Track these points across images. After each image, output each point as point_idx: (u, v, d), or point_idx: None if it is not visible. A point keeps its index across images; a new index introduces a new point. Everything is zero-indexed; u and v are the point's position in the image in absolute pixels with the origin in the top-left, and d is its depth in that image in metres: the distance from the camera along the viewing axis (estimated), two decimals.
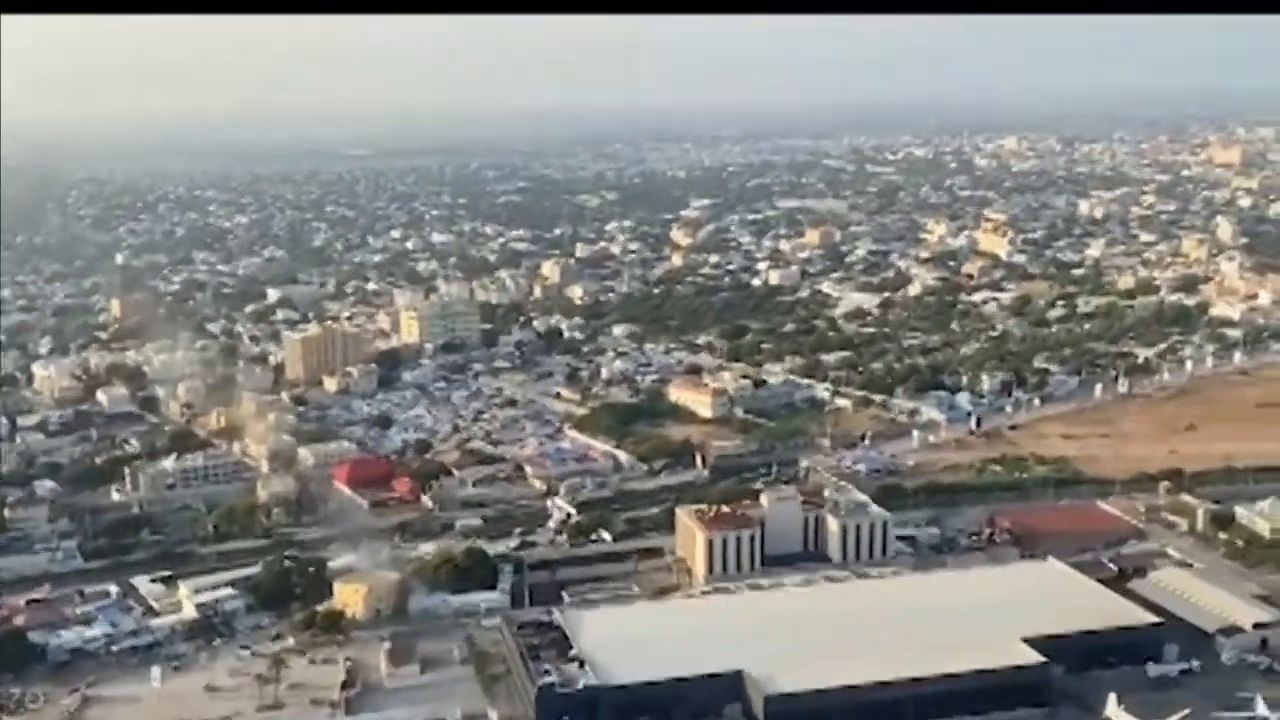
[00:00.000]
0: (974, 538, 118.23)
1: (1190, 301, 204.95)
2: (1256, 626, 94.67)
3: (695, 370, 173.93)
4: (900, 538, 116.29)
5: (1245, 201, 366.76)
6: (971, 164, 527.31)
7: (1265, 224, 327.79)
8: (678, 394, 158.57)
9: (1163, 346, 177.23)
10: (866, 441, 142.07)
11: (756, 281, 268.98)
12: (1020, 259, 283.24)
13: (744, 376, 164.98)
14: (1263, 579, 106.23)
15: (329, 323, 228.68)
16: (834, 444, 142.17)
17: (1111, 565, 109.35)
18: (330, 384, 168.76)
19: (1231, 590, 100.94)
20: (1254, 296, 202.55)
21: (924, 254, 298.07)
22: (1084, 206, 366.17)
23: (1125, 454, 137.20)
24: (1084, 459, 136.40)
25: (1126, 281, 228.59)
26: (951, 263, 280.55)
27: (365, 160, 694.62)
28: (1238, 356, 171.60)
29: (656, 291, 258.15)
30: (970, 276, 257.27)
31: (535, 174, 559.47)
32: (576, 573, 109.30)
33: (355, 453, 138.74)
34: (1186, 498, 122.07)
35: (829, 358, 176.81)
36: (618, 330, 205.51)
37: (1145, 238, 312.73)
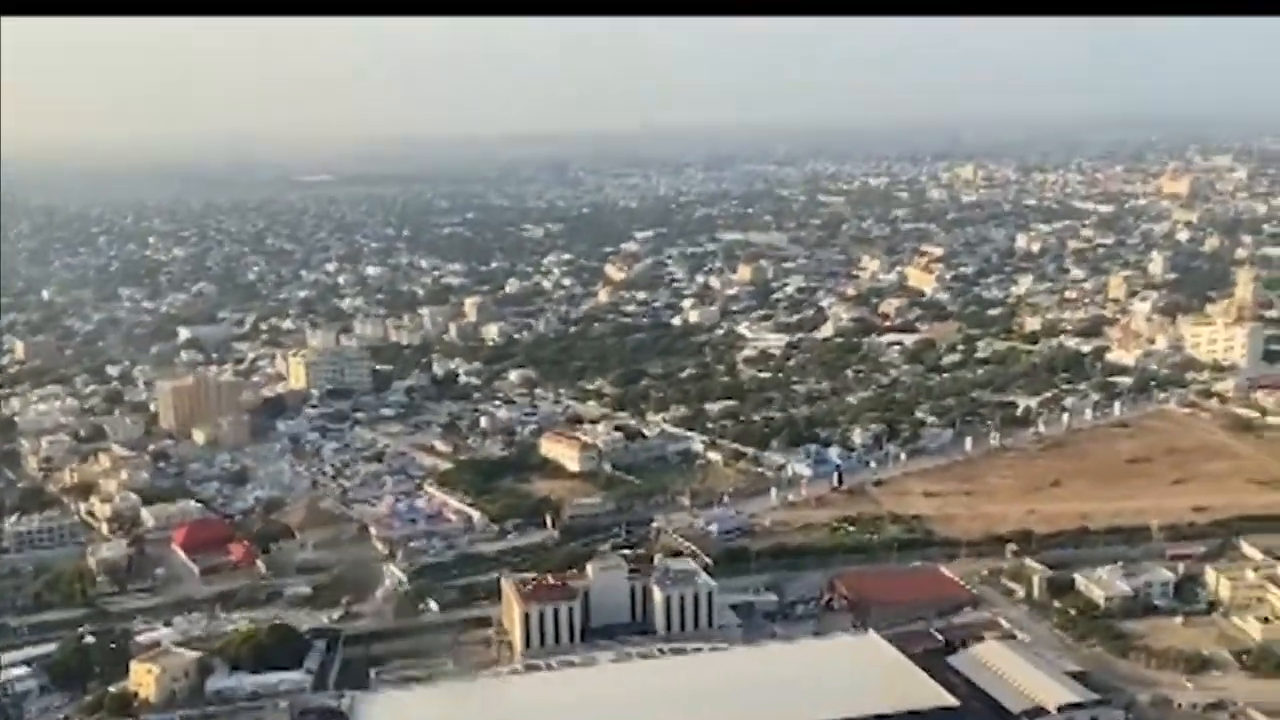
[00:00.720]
0: (811, 604, 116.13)
1: (1089, 347, 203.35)
2: (1061, 709, 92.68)
3: (577, 420, 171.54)
4: (736, 605, 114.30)
5: (1184, 235, 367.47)
6: (924, 194, 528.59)
7: (1198, 259, 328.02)
8: (549, 447, 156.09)
9: (1048, 395, 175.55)
10: (726, 499, 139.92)
11: (677, 320, 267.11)
12: (944, 297, 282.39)
13: (618, 428, 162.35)
14: (1087, 653, 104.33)
15: (233, 363, 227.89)
16: (695, 502, 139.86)
17: (938, 636, 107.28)
18: (200, 435, 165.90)
19: (1048, 667, 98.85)
20: (1152, 341, 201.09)
21: (851, 291, 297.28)
22: (1021, 240, 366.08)
23: (982, 513, 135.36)
24: (940, 518, 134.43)
25: (1034, 324, 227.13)
26: (875, 300, 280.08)
27: (322, 187, 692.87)
28: (1118, 408, 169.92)
29: (572, 331, 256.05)
30: (886, 316, 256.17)
31: (486, 204, 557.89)
32: (393, 647, 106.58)
33: (200, 512, 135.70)
34: (1030, 562, 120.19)
35: (714, 407, 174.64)
36: (514, 375, 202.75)
37: (1075, 274, 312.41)
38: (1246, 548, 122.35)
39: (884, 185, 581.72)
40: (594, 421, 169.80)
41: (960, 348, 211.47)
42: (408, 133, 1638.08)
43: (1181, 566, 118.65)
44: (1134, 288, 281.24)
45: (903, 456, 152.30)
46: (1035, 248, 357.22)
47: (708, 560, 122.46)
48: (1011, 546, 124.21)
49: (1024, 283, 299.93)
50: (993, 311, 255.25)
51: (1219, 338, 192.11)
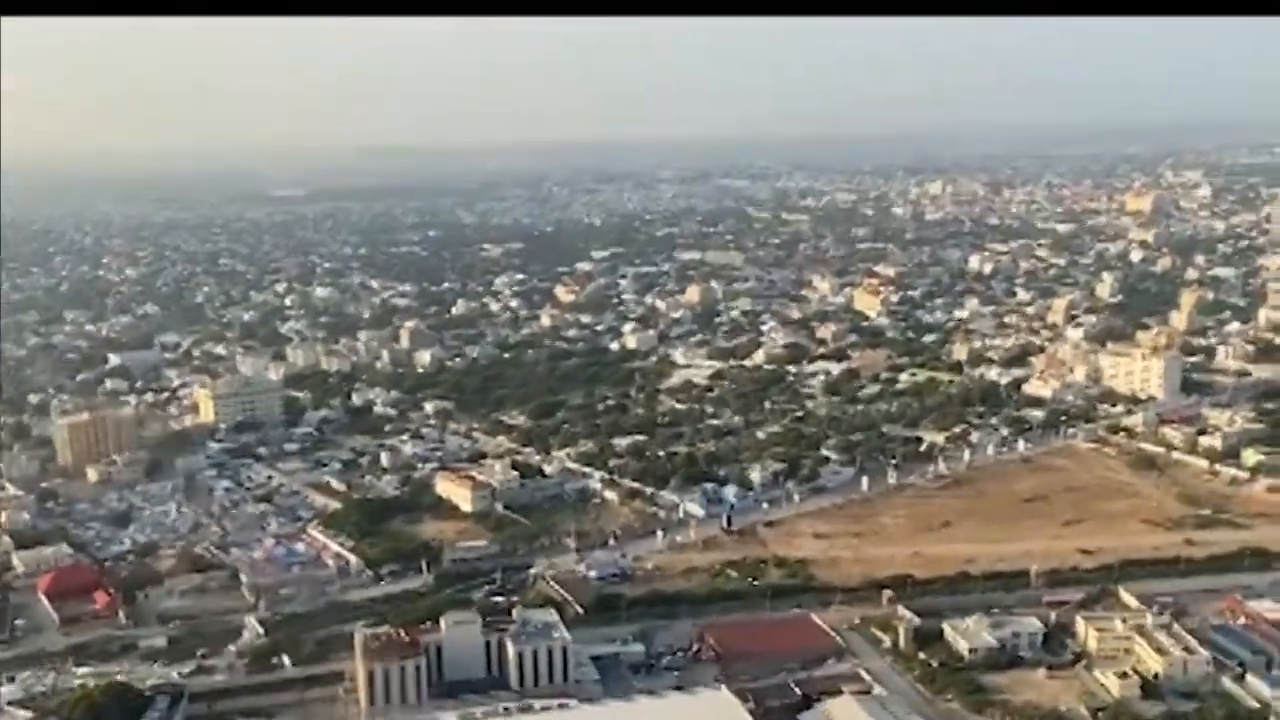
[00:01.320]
0: (679, 655, 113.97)
1: (1009, 378, 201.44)
2: None
3: (480, 456, 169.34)
4: (599, 657, 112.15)
5: (1137, 255, 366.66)
6: (889, 211, 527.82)
7: (1148, 280, 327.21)
8: (444, 486, 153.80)
9: (958, 430, 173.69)
10: (612, 542, 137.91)
11: (615, 346, 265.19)
12: (885, 322, 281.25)
13: (517, 466, 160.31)
14: (944, 707, 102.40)
15: (155, 392, 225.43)
16: (582, 544, 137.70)
17: (796, 690, 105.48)
18: (94, 473, 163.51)
19: None
20: (1072, 371, 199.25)
21: (795, 315, 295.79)
22: (975, 261, 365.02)
23: (868, 556, 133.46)
24: (825, 562, 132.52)
25: (962, 352, 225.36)
26: (815, 325, 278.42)
27: (293, 203, 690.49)
28: (1026, 443, 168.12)
29: (506, 358, 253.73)
30: (822, 342, 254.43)
31: (452, 220, 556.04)
32: (238, 704, 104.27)
33: (72, 558, 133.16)
34: (902, 610, 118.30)
35: (624, 441, 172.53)
36: (429, 407, 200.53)
37: (1022, 296, 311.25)
38: (1125, 595, 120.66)
39: (852, 202, 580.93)
40: (497, 457, 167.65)
41: (883, 377, 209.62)
42: (393, 143, 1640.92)
43: (1054, 615, 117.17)
44: (1076, 312, 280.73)
45: (797, 497, 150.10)
46: (988, 269, 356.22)
47: (579, 609, 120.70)
48: (888, 593, 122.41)
49: (969, 306, 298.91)
50: (929, 338, 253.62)
51: (1136, 369, 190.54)
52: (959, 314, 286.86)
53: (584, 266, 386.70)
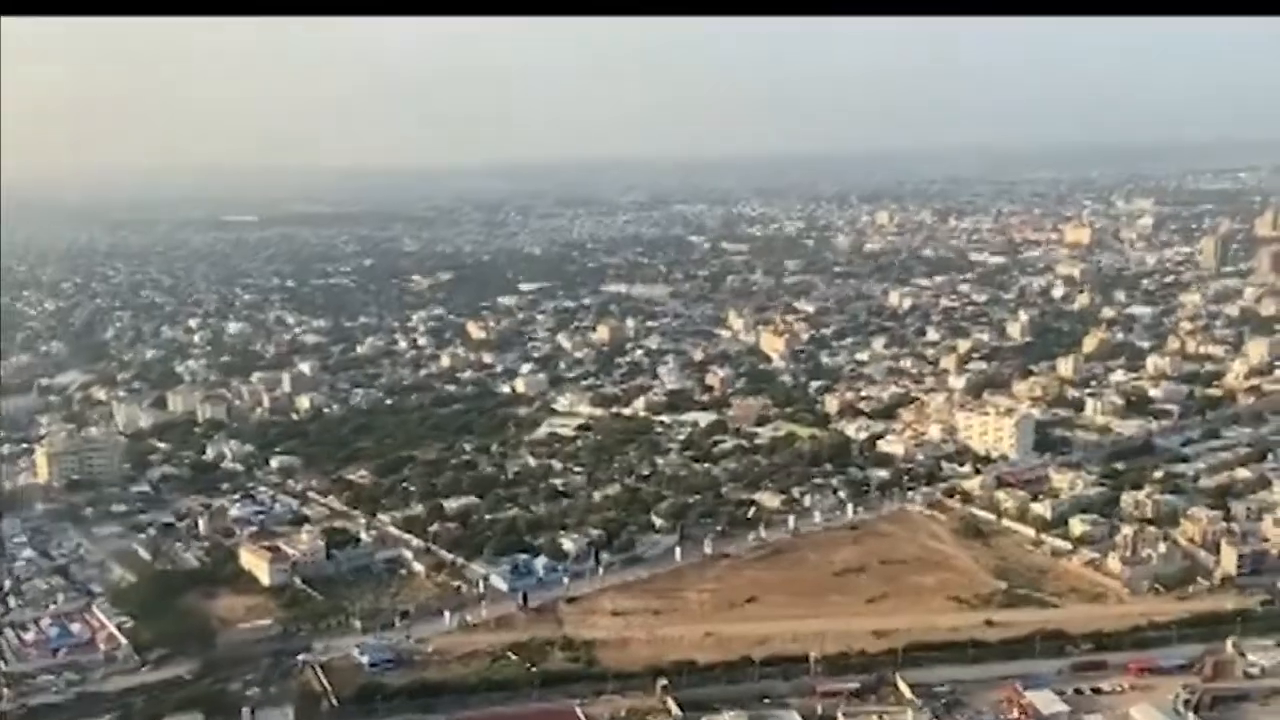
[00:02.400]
0: None
1: (868, 433, 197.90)
2: None
3: (303, 520, 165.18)
4: None
5: (1059, 291, 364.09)
6: (830, 241, 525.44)
7: (1062, 319, 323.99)
8: (247, 557, 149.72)
9: (799, 491, 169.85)
10: (399, 622, 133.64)
11: (505, 389, 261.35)
12: (781, 365, 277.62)
13: (330, 533, 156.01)
14: None
15: (11, 443, 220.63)
16: (371, 624, 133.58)
17: None
18: None
19: None
20: (928, 428, 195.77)
21: (699, 355, 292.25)
22: (894, 297, 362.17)
23: (660, 636, 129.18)
24: (614, 643, 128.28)
25: (833, 403, 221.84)
26: (714, 366, 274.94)
27: (244, 228, 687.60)
28: (861, 507, 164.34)
29: (388, 404, 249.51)
30: (709, 389, 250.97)
31: (393, 248, 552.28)
32: None
33: None
34: (669, 702, 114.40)
35: (457, 503, 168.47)
36: (275, 462, 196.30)
37: (931, 336, 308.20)
38: (903, 684, 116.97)
39: (798, 230, 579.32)
40: (319, 521, 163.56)
41: (746, 431, 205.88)
42: (373, 164, 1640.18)
43: (820, 707, 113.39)
44: (978, 353, 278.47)
45: (608, 569, 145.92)
46: (906, 304, 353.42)
47: (334, 701, 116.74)
48: (662, 682, 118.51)
49: (875, 347, 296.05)
50: (816, 384, 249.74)
51: (989, 427, 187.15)
52: (860, 356, 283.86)
53: (507, 300, 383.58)
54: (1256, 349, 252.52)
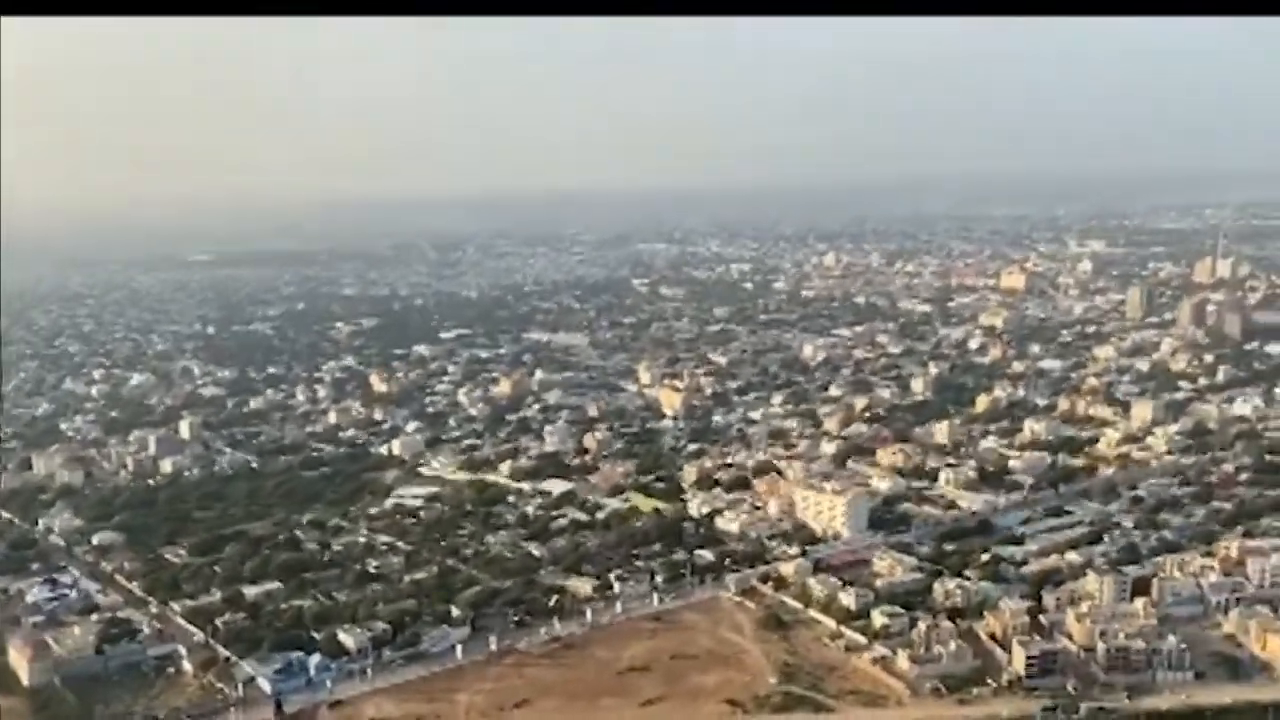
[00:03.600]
0: None
1: (711, 507, 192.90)
2: None
3: (93, 609, 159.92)
4: None
5: (975, 343, 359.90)
6: (770, 286, 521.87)
7: (967, 374, 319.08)
8: (13, 653, 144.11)
9: (615, 575, 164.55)
10: None
11: (383, 450, 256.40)
12: (669, 424, 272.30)
13: (107, 624, 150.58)
14: None
15: None
16: None
17: None
18: None
19: None
20: (761, 508, 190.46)
21: (593, 412, 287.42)
22: (808, 349, 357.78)
23: None
24: None
25: (691, 472, 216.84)
26: (601, 426, 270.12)
27: (198, 269, 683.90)
28: (670, 596, 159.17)
29: (254, 467, 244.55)
30: (584, 452, 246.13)
31: (329, 291, 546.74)
32: None
33: None
34: None
35: (258, 589, 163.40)
36: (99, 538, 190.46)
37: (833, 391, 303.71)
38: None
39: (744, 272, 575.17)
40: (108, 610, 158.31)
41: (591, 504, 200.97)
42: (362, 195, 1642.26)
43: None
44: (868, 412, 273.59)
45: (377, 670, 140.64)
46: (820, 356, 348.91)
47: None
48: None
49: (774, 402, 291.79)
50: (694, 446, 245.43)
51: (824, 505, 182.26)
52: (754, 414, 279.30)
53: (422, 349, 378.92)
54: (1141, 411, 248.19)
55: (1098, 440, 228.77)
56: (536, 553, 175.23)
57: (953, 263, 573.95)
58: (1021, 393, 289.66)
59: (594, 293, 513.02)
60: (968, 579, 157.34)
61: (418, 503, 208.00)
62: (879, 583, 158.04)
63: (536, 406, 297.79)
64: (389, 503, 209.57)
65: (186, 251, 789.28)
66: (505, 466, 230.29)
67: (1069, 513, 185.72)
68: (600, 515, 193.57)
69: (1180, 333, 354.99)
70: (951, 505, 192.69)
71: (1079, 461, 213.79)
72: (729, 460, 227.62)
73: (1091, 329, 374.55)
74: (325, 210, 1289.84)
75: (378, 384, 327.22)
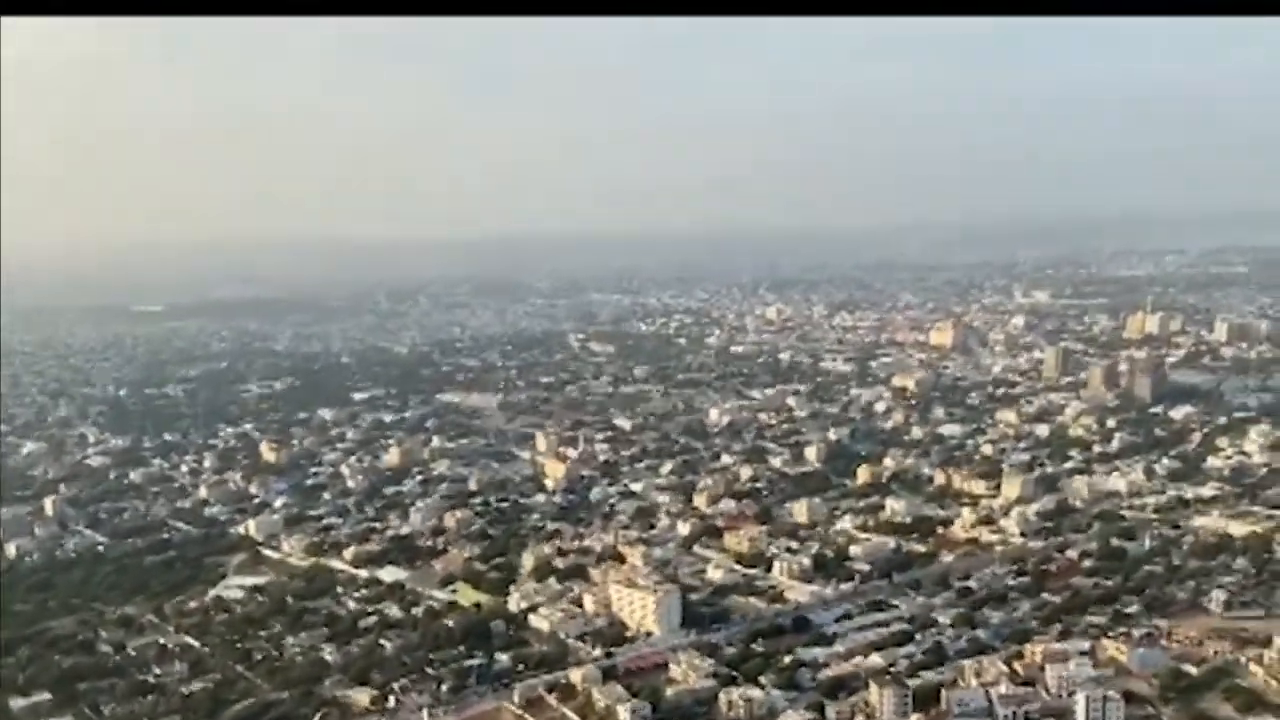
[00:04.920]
0: None
1: (528, 603, 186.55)
2: None
3: None
4: None
5: (881, 406, 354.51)
6: (703, 341, 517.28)
7: (865, 441, 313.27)
8: None
9: (403, 683, 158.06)
10: None
11: (241, 530, 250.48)
12: (542, 499, 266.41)
13: None
14: None
15: None
16: None
17: None
18: None
19: None
20: (579, 603, 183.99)
21: (473, 485, 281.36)
22: (714, 413, 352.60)
23: None
24: None
25: (529, 558, 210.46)
26: (472, 502, 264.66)
27: (141, 321, 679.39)
28: (438, 711, 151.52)
29: (100, 550, 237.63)
30: (440, 532, 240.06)
31: (260, 347, 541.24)
32: None
33: None
34: None
35: (22, 702, 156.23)
36: None
37: (725, 460, 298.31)
38: None
39: (683, 325, 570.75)
40: None
41: (413, 596, 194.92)
42: (338, 235, 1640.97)
43: None
44: (750, 484, 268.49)
45: None
46: (725, 421, 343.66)
47: None
48: None
49: (663, 472, 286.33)
50: (555, 525, 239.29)
51: (637, 601, 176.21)
52: (636, 487, 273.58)
53: (327, 414, 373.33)
54: (1011, 487, 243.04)
55: (953, 521, 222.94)
56: (330, 658, 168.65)
57: (892, 316, 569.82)
58: (910, 461, 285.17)
59: (525, 348, 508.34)
60: (762, 686, 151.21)
61: (240, 595, 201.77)
62: (670, 691, 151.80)
63: (419, 478, 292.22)
64: (212, 595, 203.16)
65: (138, 300, 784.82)
66: (351, 551, 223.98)
67: (893, 606, 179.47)
68: (417, 610, 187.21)
69: (1090, 395, 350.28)
70: (778, 597, 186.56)
71: (923, 547, 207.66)
72: (581, 544, 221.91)
73: (1002, 391, 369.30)
74: (295, 254, 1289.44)
75: (266, 453, 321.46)
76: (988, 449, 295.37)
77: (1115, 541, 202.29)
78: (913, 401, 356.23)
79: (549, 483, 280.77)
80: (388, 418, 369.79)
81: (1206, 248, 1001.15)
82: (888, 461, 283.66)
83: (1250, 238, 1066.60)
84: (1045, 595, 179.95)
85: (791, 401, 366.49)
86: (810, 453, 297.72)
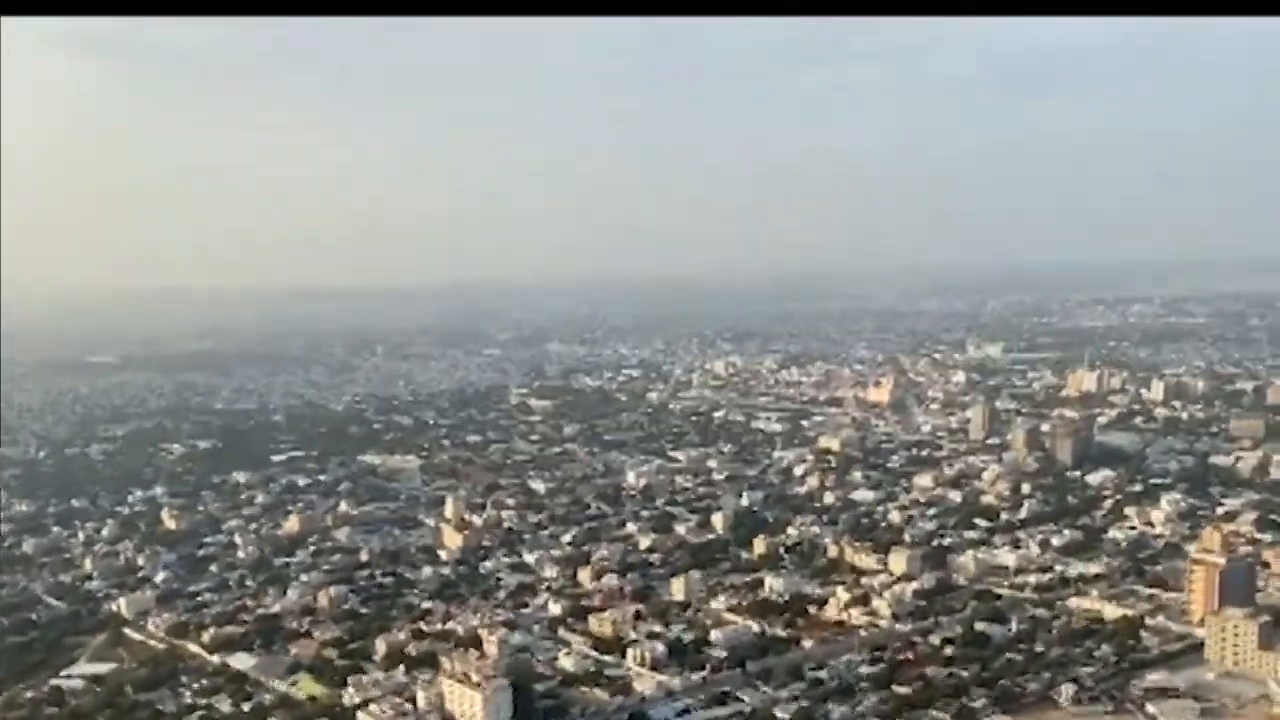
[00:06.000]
0: None
1: (363, 696, 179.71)
2: None
3: None
4: None
5: (800, 470, 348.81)
6: (644, 397, 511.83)
7: (778, 505, 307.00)
8: None
9: None
10: None
11: (112, 608, 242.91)
12: (432, 570, 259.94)
13: None
14: None
15: None
16: None
17: None
18: None
19: None
20: (414, 700, 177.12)
21: (363, 557, 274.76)
22: (632, 476, 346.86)
23: None
24: None
25: (384, 646, 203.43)
26: (358, 576, 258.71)
27: (92, 373, 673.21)
28: None
29: None
30: (310, 612, 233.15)
31: (196, 403, 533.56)
32: None
33: None
34: None
35: None
36: None
37: (630, 527, 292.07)
38: None
39: (629, 379, 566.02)
40: None
41: (264, 685, 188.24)
42: (315, 286, 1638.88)
43: None
44: (648, 554, 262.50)
45: None
46: (642, 484, 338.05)
47: None
48: None
49: (563, 541, 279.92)
50: (431, 604, 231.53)
51: (466, 698, 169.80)
52: (530, 558, 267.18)
53: (242, 477, 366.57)
54: (898, 562, 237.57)
55: (828, 601, 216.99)
56: None
57: (840, 370, 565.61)
58: (815, 530, 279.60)
59: (464, 405, 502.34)
60: None
61: (79, 685, 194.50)
62: None
63: (313, 548, 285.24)
64: (51, 685, 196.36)
65: (95, 351, 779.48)
66: (211, 634, 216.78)
67: (738, 700, 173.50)
68: (248, 705, 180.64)
69: (1011, 458, 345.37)
70: (625, 688, 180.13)
71: (787, 631, 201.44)
72: (444, 626, 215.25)
73: (926, 452, 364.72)
74: (265, 303, 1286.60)
75: (168, 520, 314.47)
76: (896, 516, 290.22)
77: (981, 626, 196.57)
78: (833, 464, 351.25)
79: (443, 554, 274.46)
80: (302, 481, 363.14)
81: (1175, 295, 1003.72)
82: (791, 530, 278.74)
83: (1218, 284, 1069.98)
84: (895, 687, 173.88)
85: (713, 463, 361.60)
86: (717, 520, 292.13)
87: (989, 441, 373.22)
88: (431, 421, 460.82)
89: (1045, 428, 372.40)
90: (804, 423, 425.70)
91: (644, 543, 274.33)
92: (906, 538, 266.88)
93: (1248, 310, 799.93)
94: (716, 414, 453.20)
